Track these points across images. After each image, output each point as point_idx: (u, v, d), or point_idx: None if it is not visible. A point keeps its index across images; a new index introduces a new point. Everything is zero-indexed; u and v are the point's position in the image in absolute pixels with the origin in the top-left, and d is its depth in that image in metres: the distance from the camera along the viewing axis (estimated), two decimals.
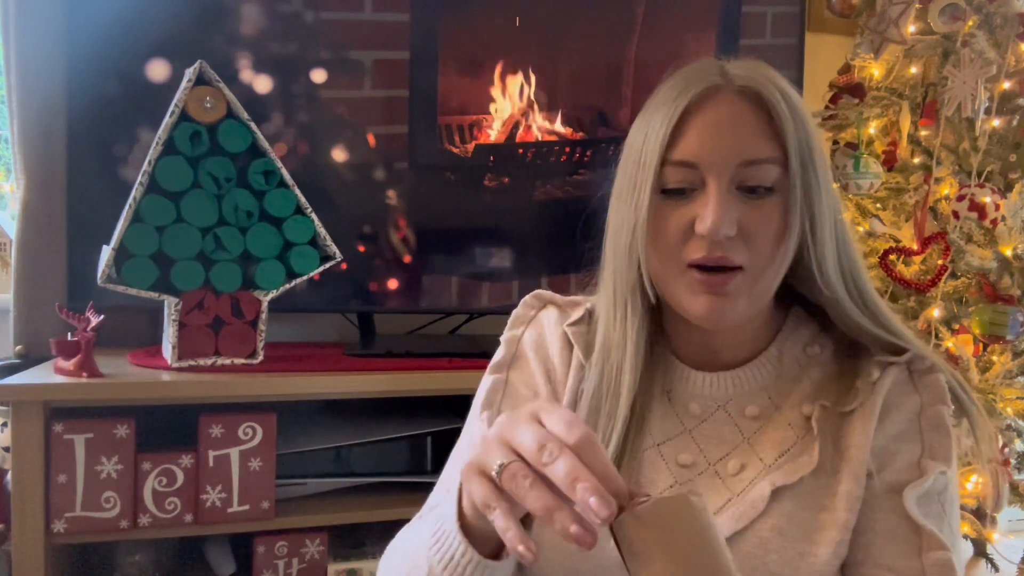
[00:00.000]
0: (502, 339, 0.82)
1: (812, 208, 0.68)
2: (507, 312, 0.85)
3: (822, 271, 0.70)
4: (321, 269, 1.27)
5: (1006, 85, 1.68)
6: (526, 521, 0.54)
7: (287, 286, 1.26)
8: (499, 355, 0.81)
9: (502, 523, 0.49)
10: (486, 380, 0.79)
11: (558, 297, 0.83)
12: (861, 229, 1.78)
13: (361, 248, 1.48)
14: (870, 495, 0.68)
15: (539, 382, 0.78)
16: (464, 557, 0.57)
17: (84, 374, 1.16)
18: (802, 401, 0.73)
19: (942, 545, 0.66)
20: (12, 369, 1.29)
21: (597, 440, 0.49)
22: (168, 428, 1.24)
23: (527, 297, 0.84)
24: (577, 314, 0.80)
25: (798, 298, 0.77)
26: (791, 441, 0.71)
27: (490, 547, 0.57)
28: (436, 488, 0.79)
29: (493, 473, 0.50)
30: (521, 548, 0.48)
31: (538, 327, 0.81)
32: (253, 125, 1.22)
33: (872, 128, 1.76)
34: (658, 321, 0.77)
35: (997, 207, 1.62)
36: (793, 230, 0.67)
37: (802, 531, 0.67)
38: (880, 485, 0.68)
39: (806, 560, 0.66)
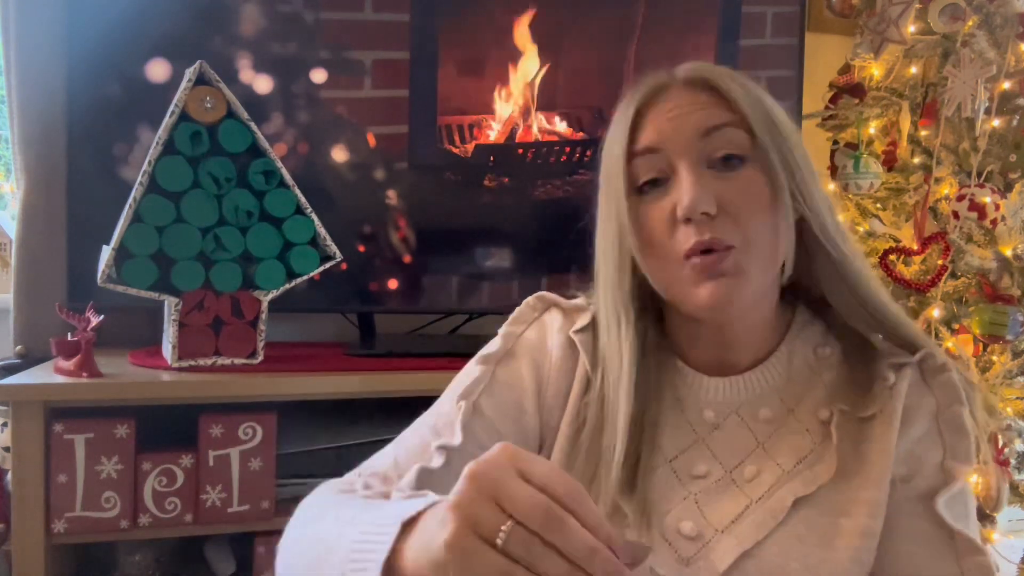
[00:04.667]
0: (500, 332, 0.78)
1: (795, 177, 0.67)
2: (507, 312, 0.82)
3: (825, 233, 0.69)
4: (321, 269, 1.27)
5: (1006, 85, 1.68)
6: None
7: (287, 286, 1.26)
8: (492, 347, 0.77)
9: None
10: (472, 368, 0.76)
11: (563, 300, 0.80)
12: (861, 229, 1.78)
13: (361, 248, 1.48)
14: (899, 502, 0.68)
15: (527, 386, 0.75)
16: None
17: (84, 374, 1.16)
18: (817, 406, 0.72)
19: (978, 549, 0.65)
20: (12, 369, 1.29)
21: (584, 492, 0.46)
22: (168, 428, 1.24)
23: (530, 298, 0.80)
24: (583, 321, 0.77)
25: (800, 297, 0.77)
26: (808, 448, 0.70)
27: None
28: (386, 450, 0.75)
29: (499, 541, 0.44)
30: None
31: (541, 330, 0.78)
32: (253, 125, 1.22)
33: (872, 128, 1.76)
34: (662, 329, 0.76)
35: (997, 207, 1.62)
36: (781, 194, 0.66)
37: (822, 537, 0.66)
38: (910, 491, 0.68)
39: (827, 565, 0.65)
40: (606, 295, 0.73)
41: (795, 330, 0.76)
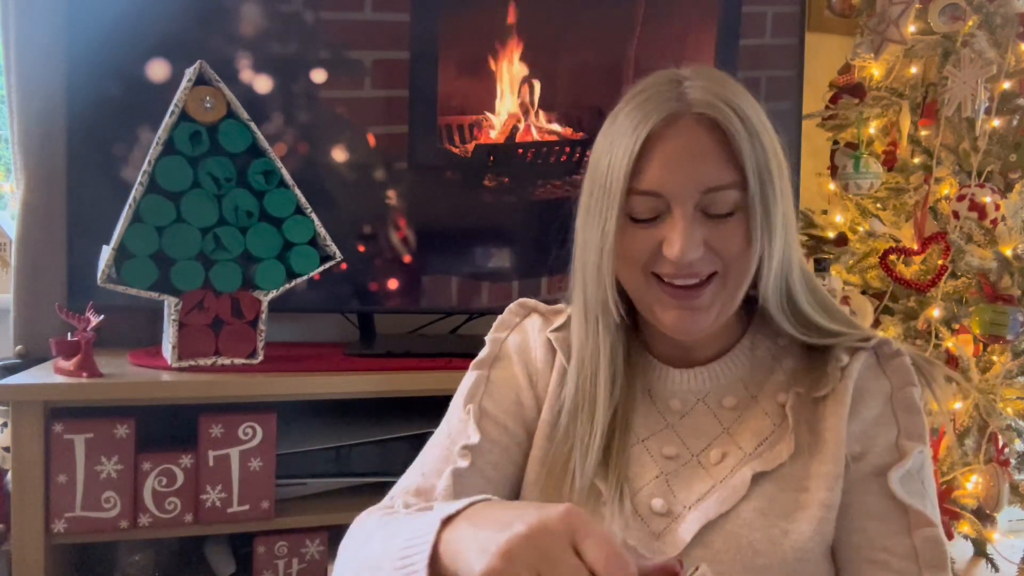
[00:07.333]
0: (487, 339, 0.85)
1: (770, 221, 0.71)
2: None
3: (764, 283, 0.73)
4: (321, 269, 1.28)
5: (1006, 85, 1.68)
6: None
7: (287, 286, 1.26)
8: (483, 353, 0.84)
9: None
10: (469, 375, 0.82)
11: (542, 306, 0.86)
12: (861, 229, 1.78)
13: (361, 248, 1.48)
14: (856, 479, 0.72)
15: (521, 383, 0.81)
16: None
17: (84, 374, 1.16)
18: (777, 391, 0.77)
19: (929, 522, 0.70)
20: (12, 369, 1.29)
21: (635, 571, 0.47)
22: (168, 428, 1.24)
23: (512, 305, 0.87)
24: (559, 321, 0.83)
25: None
26: (769, 430, 0.75)
27: None
28: (411, 470, 0.80)
29: None
30: None
31: (522, 333, 0.84)
32: (253, 125, 1.22)
33: (872, 128, 1.76)
34: (633, 323, 0.81)
35: (997, 207, 1.62)
36: (755, 244, 0.71)
37: (783, 511, 0.70)
38: (865, 468, 0.72)
39: (788, 537, 0.69)
40: (585, 298, 0.78)
41: (758, 321, 0.80)
